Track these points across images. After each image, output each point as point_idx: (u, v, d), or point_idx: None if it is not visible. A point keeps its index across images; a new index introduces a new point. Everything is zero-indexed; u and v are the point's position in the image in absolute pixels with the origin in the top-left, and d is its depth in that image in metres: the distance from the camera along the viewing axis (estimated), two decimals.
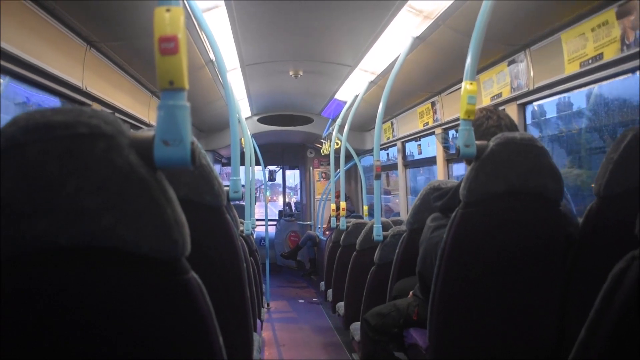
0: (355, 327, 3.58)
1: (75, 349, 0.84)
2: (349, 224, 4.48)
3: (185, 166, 0.82)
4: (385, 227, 3.35)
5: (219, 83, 4.66)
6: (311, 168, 9.23)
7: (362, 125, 6.90)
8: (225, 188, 1.80)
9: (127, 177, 0.77)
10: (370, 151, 7.14)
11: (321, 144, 7.42)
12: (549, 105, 3.36)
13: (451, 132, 4.65)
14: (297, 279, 8.74)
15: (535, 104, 3.29)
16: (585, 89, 2.85)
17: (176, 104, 0.83)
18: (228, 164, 8.90)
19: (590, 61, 2.52)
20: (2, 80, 2.33)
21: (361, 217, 5.98)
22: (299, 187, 11.37)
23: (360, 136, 7.38)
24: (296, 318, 6.13)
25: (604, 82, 2.59)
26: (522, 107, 3.31)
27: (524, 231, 1.74)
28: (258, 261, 4.13)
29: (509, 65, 3.28)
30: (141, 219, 0.79)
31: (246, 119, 6.57)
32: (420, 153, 5.77)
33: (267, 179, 8.10)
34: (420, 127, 5.14)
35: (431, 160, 5.16)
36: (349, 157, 5.40)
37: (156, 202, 0.79)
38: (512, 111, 3.29)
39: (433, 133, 4.89)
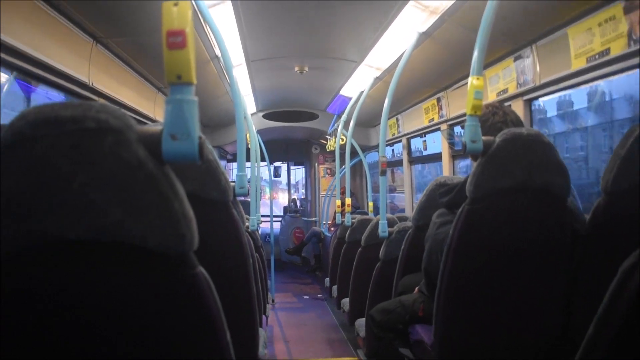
0: (360, 323, 3.58)
1: (82, 342, 0.84)
2: (354, 220, 4.48)
3: (193, 160, 0.82)
4: (391, 223, 3.34)
5: (224, 79, 4.66)
6: (316, 164, 9.22)
7: (368, 121, 6.89)
8: (231, 184, 1.80)
9: (135, 172, 0.77)
10: (375, 147, 7.13)
11: (326, 140, 7.41)
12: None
13: (457, 128, 4.64)
14: (302, 275, 8.74)
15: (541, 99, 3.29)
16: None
17: (184, 98, 0.83)
18: (233, 160, 8.90)
19: (597, 56, 2.51)
20: (8, 76, 2.34)
21: (366, 214, 5.98)
22: (299, 183, 11.38)
23: (365, 132, 7.37)
24: (301, 314, 6.13)
25: (611, 78, 2.58)
26: (528, 103, 3.30)
27: (530, 227, 1.73)
28: (263, 257, 4.13)
29: (515, 60, 3.27)
30: (149, 213, 0.79)
31: (251, 115, 6.57)
32: (425, 149, 5.77)
33: (272, 175, 8.10)
34: (426, 123, 5.13)
35: (437, 157, 5.15)
36: (354, 153, 5.39)
37: (164, 197, 0.79)
38: (518, 107, 3.28)
39: (438, 129, 4.88)
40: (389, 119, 5.55)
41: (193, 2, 2.46)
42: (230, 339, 0.93)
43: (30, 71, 2.35)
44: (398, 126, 6.03)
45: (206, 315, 0.88)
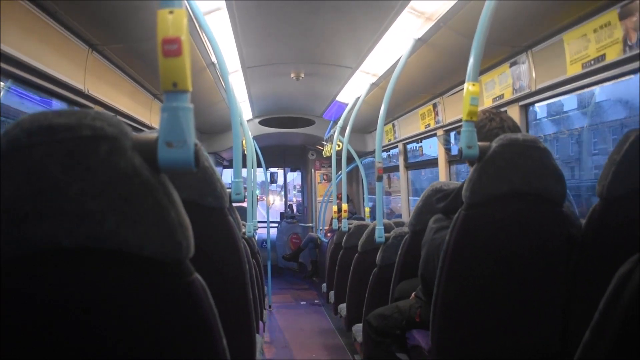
0: (358, 328, 3.58)
1: (78, 350, 0.84)
2: (350, 225, 4.48)
3: (189, 168, 0.82)
4: (387, 228, 3.34)
5: (220, 85, 4.66)
6: (312, 170, 9.22)
7: (364, 127, 6.90)
8: (227, 190, 1.81)
9: (131, 180, 0.77)
10: (371, 153, 7.14)
11: (322, 146, 7.41)
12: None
13: (453, 134, 4.65)
14: (298, 281, 8.73)
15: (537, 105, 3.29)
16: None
17: (179, 106, 0.83)
18: (229, 167, 8.90)
19: (592, 62, 2.52)
20: (3, 84, 2.34)
21: (363, 219, 5.98)
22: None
23: (361, 138, 7.37)
24: (298, 320, 6.12)
25: (606, 84, 2.59)
26: (524, 109, 3.31)
27: (526, 232, 1.73)
28: (260, 263, 4.13)
29: (511, 66, 3.28)
30: (145, 221, 0.79)
31: (247, 121, 6.57)
32: (422, 155, 5.77)
33: (268, 181, 8.11)
34: (422, 129, 5.14)
35: (433, 162, 5.15)
36: (350, 159, 5.40)
37: (160, 204, 0.79)
38: (514, 112, 3.28)
39: (435, 135, 4.89)
40: (385, 124, 5.56)
41: (189, 9, 2.47)
42: (227, 345, 0.93)
43: (25, 79, 2.35)
44: (394, 132, 6.04)
45: (202, 321, 0.88)
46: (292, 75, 4.98)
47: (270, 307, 6.38)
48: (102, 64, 3.15)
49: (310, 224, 9.29)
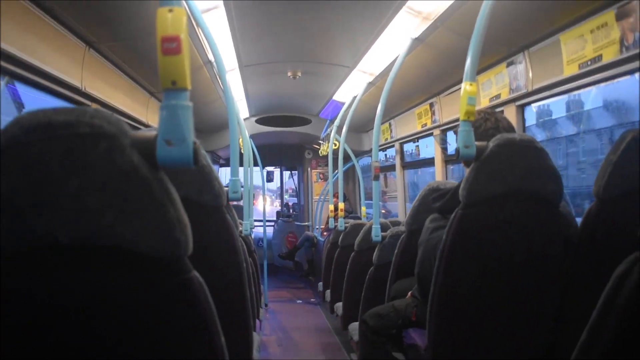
0: (354, 327, 3.57)
1: (75, 347, 0.84)
2: (347, 224, 4.48)
3: (188, 166, 0.82)
4: (384, 227, 3.35)
5: (217, 84, 4.66)
6: (309, 169, 9.23)
7: (361, 126, 6.90)
8: (225, 188, 1.81)
9: (129, 177, 0.78)
10: (368, 152, 7.14)
11: (319, 145, 7.42)
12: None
13: (449, 134, 4.66)
14: (294, 280, 8.72)
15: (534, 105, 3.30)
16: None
17: (179, 104, 0.83)
18: (226, 165, 8.89)
19: (589, 63, 2.52)
20: (0, 81, 2.33)
21: (359, 218, 5.98)
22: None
23: (358, 137, 7.38)
24: (294, 318, 6.12)
25: (603, 84, 2.60)
26: (521, 109, 3.32)
27: (523, 232, 1.74)
28: (257, 261, 4.13)
29: (507, 66, 3.28)
30: (143, 218, 0.79)
31: (244, 119, 6.57)
32: (418, 155, 5.78)
33: (265, 180, 8.11)
34: (419, 129, 5.14)
35: (429, 162, 5.16)
36: (347, 158, 5.40)
37: (158, 202, 0.79)
38: (510, 112, 3.29)
39: (431, 134, 4.90)
40: (382, 124, 5.56)
41: (186, 7, 2.46)
42: (224, 342, 0.94)
43: (22, 76, 2.34)
44: (391, 131, 6.04)
45: (200, 319, 0.88)
46: (289, 73, 4.98)
47: (266, 305, 6.38)
48: (99, 62, 3.15)
49: (306, 223, 9.29)
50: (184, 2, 2.44)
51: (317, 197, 8.40)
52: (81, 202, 0.77)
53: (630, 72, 2.33)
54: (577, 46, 2.59)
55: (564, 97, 2.91)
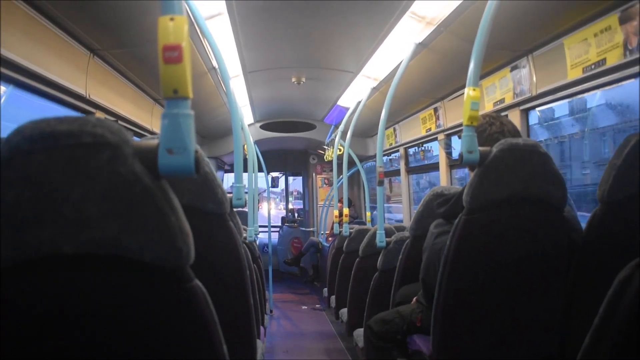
0: (359, 333, 3.57)
1: (78, 357, 0.84)
2: (352, 230, 4.47)
3: (190, 174, 0.82)
4: (389, 233, 3.34)
5: (221, 90, 4.67)
6: (314, 174, 9.22)
7: (365, 131, 6.90)
8: (228, 195, 1.81)
9: (132, 186, 0.78)
10: (373, 157, 7.14)
11: (324, 150, 7.41)
12: None
13: (454, 138, 4.65)
14: (300, 286, 8.71)
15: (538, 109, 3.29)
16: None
17: (180, 113, 0.83)
18: (231, 171, 8.90)
19: (593, 66, 2.51)
20: (4, 89, 2.34)
21: (364, 224, 5.97)
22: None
23: (362, 142, 7.38)
24: (299, 324, 6.12)
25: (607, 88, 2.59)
26: (525, 113, 3.31)
27: (527, 237, 1.73)
28: (261, 268, 4.13)
29: (511, 70, 3.28)
30: (145, 227, 0.79)
31: (249, 125, 6.58)
32: (423, 159, 5.77)
33: (269, 186, 8.11)
34: (423, 133, 5.14)
35: (434, 166, 5.15)
36: (351, 163, 5.40)
37: (160, 211, 0.79)
38: (514, 117, 3.29)
39: (436, 139, 4.89)
40: (386, 129, 5.55)
41: (190, 14, 2.47)
42: (228, 350, 0.93)
43: (26, 83, 2.35)
44: (395, 136, 6.04)
45: (203, 328, 0.88)
46: (293, 79, 4.99)
47: (271, 311, 6.37)
48: (104, 69, 3.16)
49: (311, 229, 9.29)
50: (186, 8, 2.44)
51: (322, 203, 8.40)
52: (84, 211, 0.77)
53: (634, 75, 2.32)
54: (581, 50, 2.58)
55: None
